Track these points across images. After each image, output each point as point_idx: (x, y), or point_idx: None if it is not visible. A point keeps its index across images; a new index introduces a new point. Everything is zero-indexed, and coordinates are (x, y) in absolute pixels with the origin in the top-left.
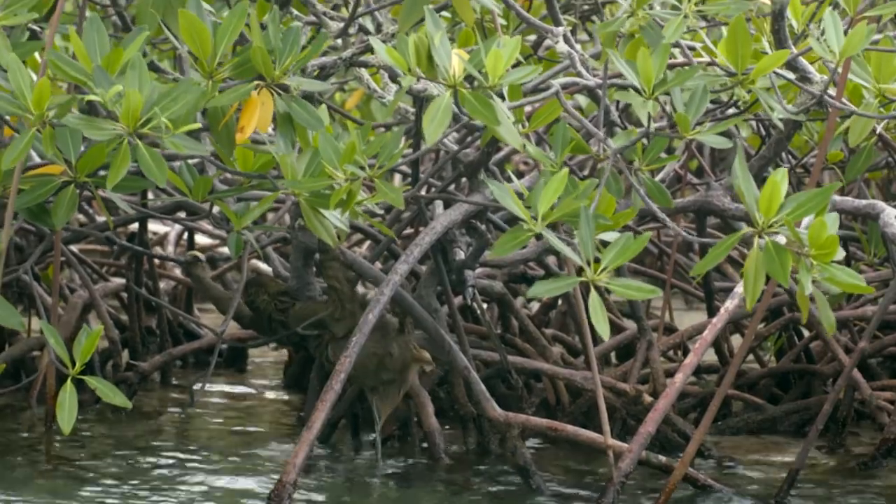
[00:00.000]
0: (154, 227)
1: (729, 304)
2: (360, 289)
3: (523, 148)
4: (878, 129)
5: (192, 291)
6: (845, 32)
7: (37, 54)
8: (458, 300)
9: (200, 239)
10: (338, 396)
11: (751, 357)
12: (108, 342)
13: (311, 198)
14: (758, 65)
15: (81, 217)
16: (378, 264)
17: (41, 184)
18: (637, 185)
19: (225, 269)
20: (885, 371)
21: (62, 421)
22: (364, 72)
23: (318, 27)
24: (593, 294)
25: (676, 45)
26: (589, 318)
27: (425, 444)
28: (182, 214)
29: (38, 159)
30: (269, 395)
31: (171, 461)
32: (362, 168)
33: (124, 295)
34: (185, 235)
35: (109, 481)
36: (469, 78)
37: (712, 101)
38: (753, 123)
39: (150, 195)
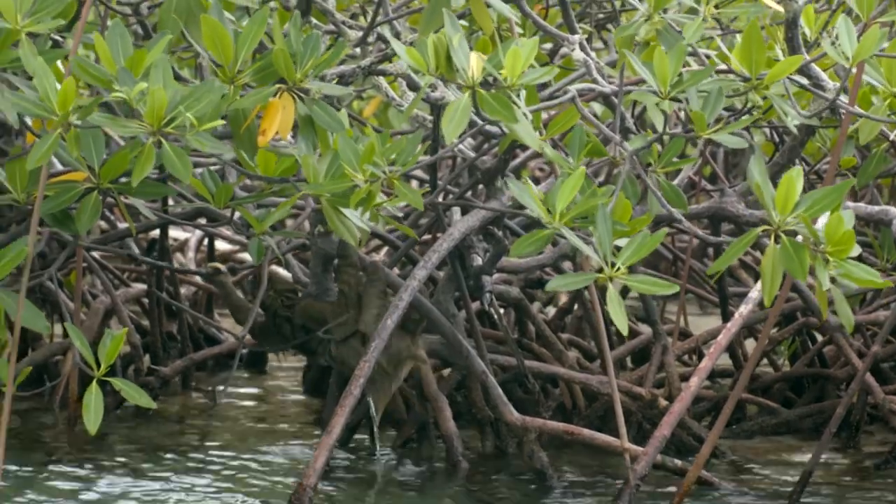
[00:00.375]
0: (175, 233)
1: (743, 309)
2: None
3: (541, 149)
4: (893, 136)
5: (213, 297)
6: (858, 38)
7: (59, 63)
8: (475, 305)
9: (221, 245)
10: (357, 401)
11: (765, 361)
12: (130, 347)
13: (332, 198)
14: (771, 70)
15: (103, 224)
16: (396, 270)
17: (65, 190)
18: (654, 187)
19: (244, 276)
20: None
21: (88, 421)
22: (382, 80)
23: (337, 36)
24: (611, 290)
25: (693, 52)
26: (606, 315)
27: (443, 448)
28: (203, 220)
29: (59, 166)
30: (289, 398)
31: (191, 463)
32: (382, 170)
33: (146, 300)
34: (206, 241)
35: (131, 478)
36: (487, 83)
37: (727, 108)
38: (767, 130)
39: (171, 202)
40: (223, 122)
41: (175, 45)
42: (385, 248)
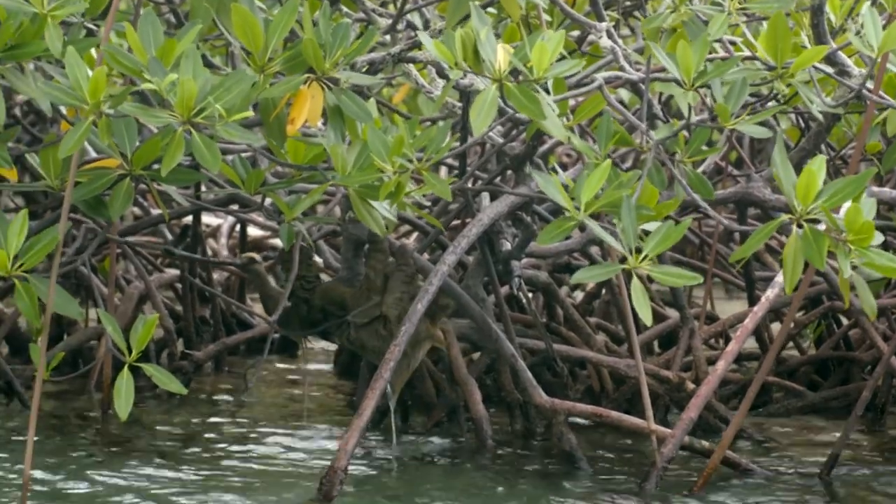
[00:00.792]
0: (207, 219)
1: (769, 293)
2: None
3: (568, 139)
4: None
5: (245, 282)
6: (883, 27)
7: (93, 51)
8: (504, 290)
9: (253, 231)
10: (387, 384)
11: (791, 344)
12: (163, 332)
13: (360, 189)
14: (797, 59)
15: (136, 210)
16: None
17: (97, 177)
18: (679, 176)
19: (274, 263)
20: None
21: (119, 407)
22: (412, 67)
23: (366, 24)
24: (635, 281)
25: (718, 40)
26: (632, 304)
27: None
28: (234, 207)
29: (93, 153)
30: (321, 380)
31: (224, 445)
32: (410, 160)
33: (179, 286)
34: (238, 227)
35: (164, 461)
36: (515, 72)
37: (752, 95)
38: (793, 116)
39: (203, 188)
40: (252, 113)
41: (207, 34)
42: (415, 234)
